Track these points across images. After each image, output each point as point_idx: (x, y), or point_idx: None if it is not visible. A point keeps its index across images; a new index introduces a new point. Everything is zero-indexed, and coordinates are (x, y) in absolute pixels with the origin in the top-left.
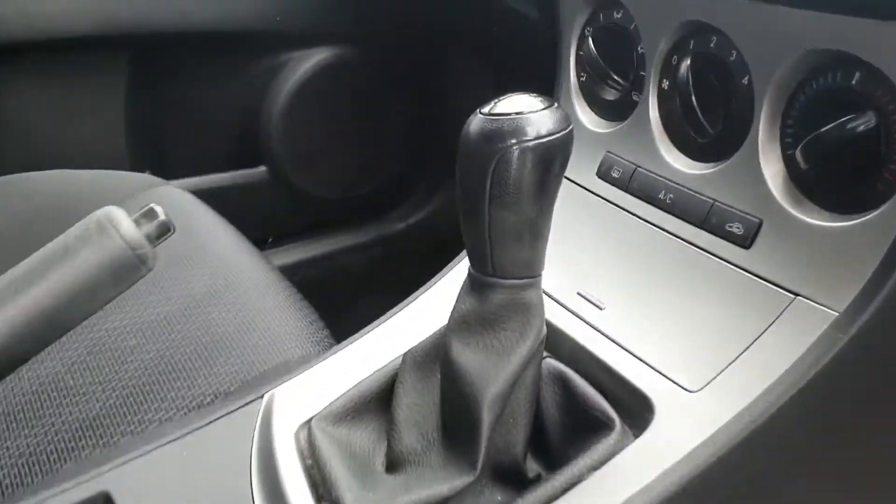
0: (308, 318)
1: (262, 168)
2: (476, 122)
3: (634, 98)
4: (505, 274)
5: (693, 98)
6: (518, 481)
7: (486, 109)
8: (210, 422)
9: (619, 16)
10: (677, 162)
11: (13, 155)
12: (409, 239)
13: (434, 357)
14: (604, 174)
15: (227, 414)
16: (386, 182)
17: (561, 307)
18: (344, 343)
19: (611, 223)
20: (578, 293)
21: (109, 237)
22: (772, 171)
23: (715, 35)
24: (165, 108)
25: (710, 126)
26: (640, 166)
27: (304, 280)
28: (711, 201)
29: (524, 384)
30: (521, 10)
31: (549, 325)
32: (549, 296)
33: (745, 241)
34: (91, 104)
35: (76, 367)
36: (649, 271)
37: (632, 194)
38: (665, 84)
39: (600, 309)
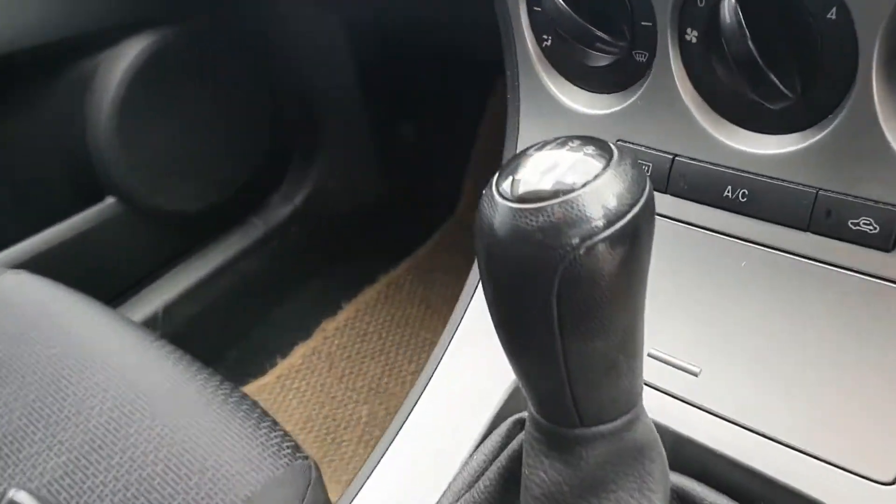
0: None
1: (110, 200)
2: (505, 220)
3: (638, 58)
4: (600, 418)
5: (751, 46)
6: None
7: (507, 188)
8: None
9: None
10: (737, 140)
11: None
12: (304, 218)
13: None
14: None
15: None
16: (256, 170)
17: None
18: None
19: (663, 245)
20: (650, 354)
21: None
22: None
23: None
24: None
25: (782, 82)
26: (679, 155)
27: (205, 307)
28: (814, 190)
29: None
30: None
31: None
32: None
33: (887, 242)
34: None
35: None
36: (745, 303)
37: (679, 196)
38: (691, 34)
39: (695, 375)
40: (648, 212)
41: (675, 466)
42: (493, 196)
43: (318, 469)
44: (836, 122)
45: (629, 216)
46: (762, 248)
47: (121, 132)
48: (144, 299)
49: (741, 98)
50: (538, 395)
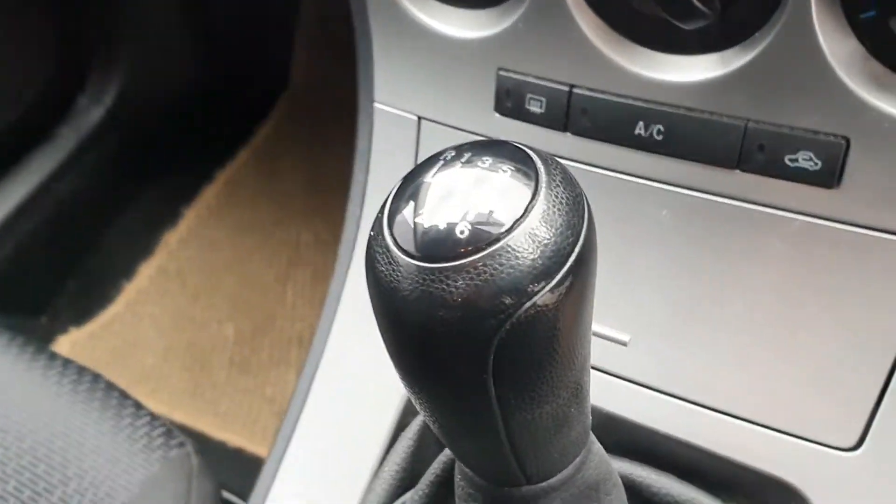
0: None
1: None
2: (413, 285)
3: None
4: (550, 473)
5: None
6: None
7: (406, 235)
8: None
9: None
10: (646, 66)
11: None
12: (119, 121)
13: None
14: (512, 109)
15: None
16: (51, 72)
17: None
18: None
19: None
20: None
21: None
22: (840, 51)
23: None
24: None
25: None
26: (577, 86)
27: (21, 244)
28: (743, 122)
29: None
30: None
31: None
32: None
33: (831, 178)
34: None
35: None
36: (672, 257)
37: (583, 135)
38: None
39: (624, 345)
40: (593, 237)
41: (614, 450)
42: (388, 248)
43: (198, 454)
44: (766, 42)
45: (575, 253)
46: (685, 191)
47: None
48: None
49: (648, 17)
50: (473, 460)
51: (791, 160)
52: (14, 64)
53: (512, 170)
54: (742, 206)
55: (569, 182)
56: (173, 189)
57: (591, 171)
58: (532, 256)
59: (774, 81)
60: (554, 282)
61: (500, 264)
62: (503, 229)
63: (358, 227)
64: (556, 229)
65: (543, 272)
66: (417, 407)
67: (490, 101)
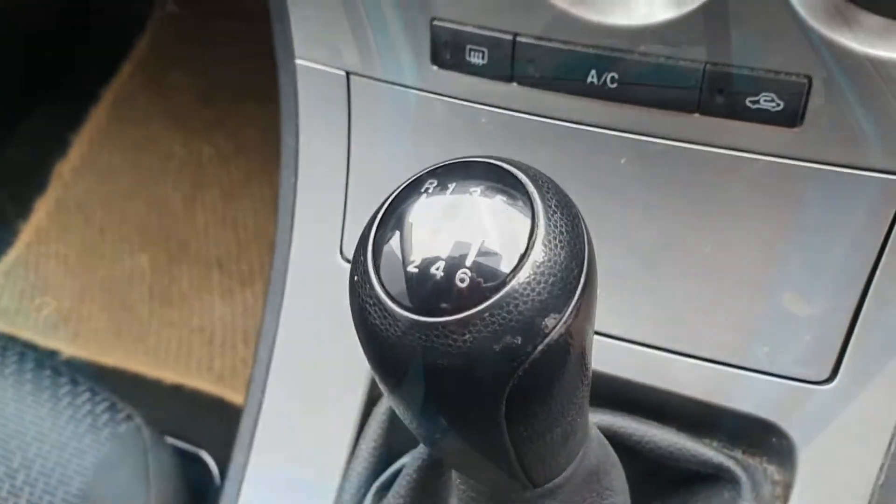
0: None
1: None
2: (413, 340)
3: None
4: (555, 475)
5: None
6: None
7: (398, 286)
8: None
9: None
10: (592, 9)
11: None
12: None
13: None
14: (451, 62)
15: None
16: None
17: None
18: None
19: (519, 149)
20: None
21: None
22: None
23: None
24: None
25: None
26: (521, 34)
27: None
28: (701, 65)
29: None
30: None
31: None
32: None
33: (794, 117)
34: None
35: None
36: (634, 206)
37: (532, 86)
38: None
39: None
40: (594, 254)
41: (592, 402)
42: (379, 299)
43: (148, 427)
44: None
45: (583, 278)
46: (643, 138)
47: None
48: None
49: None
50: (478, 475)
51: (752, 102)
52: None
53: (503, 200)
54: (703, 150)
55: (565, 204)
56: (58, 114)
57: (542, 122)
58: (541, 296)
59: (732, 21)
60: (566, 315)
61: (509, 311)
62: (507, 272)
63: (294, 192)
64: (562, 260)
65: (553, 307)
66: (417, 436)
67: (426, 52)
